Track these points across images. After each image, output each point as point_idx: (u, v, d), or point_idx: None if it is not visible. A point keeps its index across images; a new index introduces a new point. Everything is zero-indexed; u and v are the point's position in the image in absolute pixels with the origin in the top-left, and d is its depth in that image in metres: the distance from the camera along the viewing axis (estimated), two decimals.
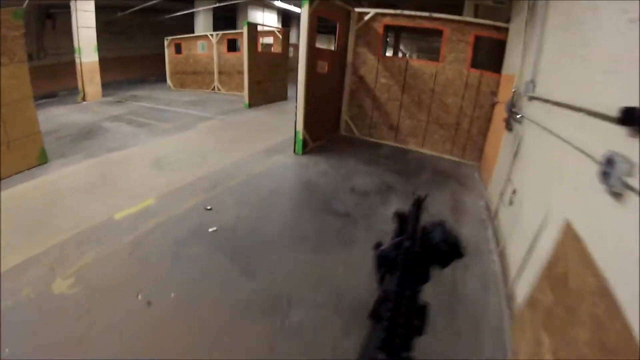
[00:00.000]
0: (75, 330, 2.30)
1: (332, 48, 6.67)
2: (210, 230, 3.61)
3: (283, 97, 11.28)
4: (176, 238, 3.43)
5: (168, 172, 5.14)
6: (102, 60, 13.26)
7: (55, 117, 9.84)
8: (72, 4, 11.06)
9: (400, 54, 17.61)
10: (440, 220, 0.76)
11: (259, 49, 11.01)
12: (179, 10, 14.58)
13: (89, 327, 2.32)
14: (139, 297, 2.55)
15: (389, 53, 14.72)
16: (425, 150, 6.41)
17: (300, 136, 5.82)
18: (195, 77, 13.45)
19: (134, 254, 3.13)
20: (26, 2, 10.64)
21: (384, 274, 0.73)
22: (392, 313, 0.58)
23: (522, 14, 4.37)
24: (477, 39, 5.61)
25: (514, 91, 4.09)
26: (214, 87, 12.92)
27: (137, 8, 13.54)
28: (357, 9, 6.37)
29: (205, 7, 13.94)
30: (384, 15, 6.18)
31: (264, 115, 9.20)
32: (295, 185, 4.91)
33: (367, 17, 6.26)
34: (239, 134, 7.36)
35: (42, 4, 12.97)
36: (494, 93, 5.52)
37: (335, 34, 6.53)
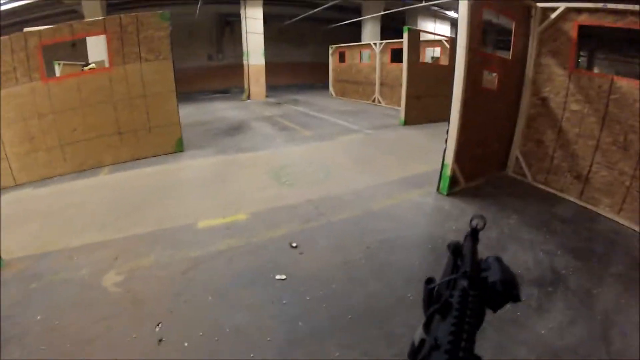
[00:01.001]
0: (82, 333, 2.19)
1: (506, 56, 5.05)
2: (277, 277, 2.74)
3: (447, 116, 9.75)
4: (238, 273, 2.80)
5: (280, 185, 4.67)
6: (273, 65, 14.24)
7: (216, 110, 10.78)
8: (242, 12, 12.09)
9: None
10: (496, 255, 0.68)
11: (423, 59, 9.81)
12: (346, 20, 14.56)
13: (94, 338, 2.15)
14: (157, 328, 2.20)
15: None
16: (624, 220, 4.13)
17: (448, 171, 4.41)
18: (356, 86, 13.08)
19: (187, 274, 2.78)
20: (198, 7, 12.03)
21: (433, 314, 0.61)
22: None
23: None
24: None
25: None
26: (374, 98, 12.26)
27: (302, 16, 14.06)
28: (541, 4, 4.58)
29: (372, 16, 13.46)
30: (578, 11, 4.28)
31: (418, 135, 7.86)
32: (422, 241, 3.48)
33: (554, 15, 4.46)
34: (381, 154, 6.30)
35: (222, 13, 14.70)
36: None
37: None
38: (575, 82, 4.51)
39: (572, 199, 4.66)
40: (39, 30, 4.77)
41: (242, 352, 2.03)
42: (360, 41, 14.18)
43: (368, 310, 2.47)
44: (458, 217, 3.87)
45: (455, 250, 0.75)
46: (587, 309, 2.57)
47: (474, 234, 0.79)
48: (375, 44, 11.53)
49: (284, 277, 2.75)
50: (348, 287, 2.69)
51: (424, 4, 12.42)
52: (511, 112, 5.07)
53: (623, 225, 4.01)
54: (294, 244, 3.22)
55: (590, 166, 4.49)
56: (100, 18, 5.31)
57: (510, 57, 4.83)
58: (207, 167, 5.35)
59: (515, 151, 5.23)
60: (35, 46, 4.63)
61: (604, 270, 3.13)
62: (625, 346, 2.23)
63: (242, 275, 2.76)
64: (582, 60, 12.12)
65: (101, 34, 5.13)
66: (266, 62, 13.16)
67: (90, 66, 5.69)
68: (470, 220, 0.79)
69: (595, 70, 11.50)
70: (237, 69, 14.08)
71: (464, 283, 0.61)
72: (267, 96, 13.39)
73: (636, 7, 3.85)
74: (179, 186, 4.57)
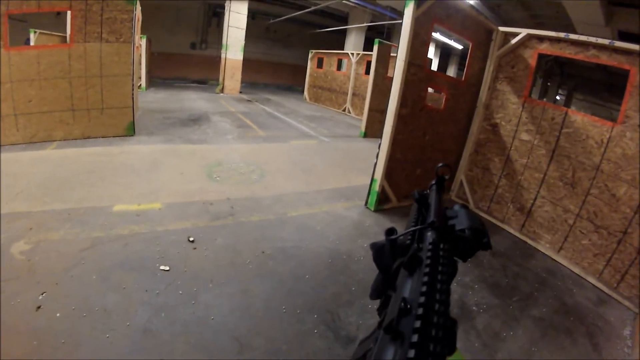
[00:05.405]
0: None
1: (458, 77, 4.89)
2: (161, 268, 2.71)
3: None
4: (128, 258, 2.78)
5: (208, 180, 4.51)
6: (255, 62, 13.91)
7: (185, 100, 10.46)
8: (226, 4, 11.85)
9: None
10: (463, 203, 0.64)
11: (390, 74, 9.72)
12: (333, 26, 14.42)
13: None
14: (41, 296, 2.27)
15: None
16: (561, 259, 3.99)
17: (376, 187, 4.21)
18: (329, 94, 12.93)
19: (83, 252, 2.78)
20: None
21: (399, 268, 0.54)
22: (421, 335, 0.37)
23: None
24: None
25: None
26: (345, 108, 12.12)
27: (288, 16, 13.90)
28: (503, 28, 4.49)
29: (357, 26, 13.35)
30: (540, 39, 4.16)
31: (373, 149, 7.68)
32: (322, 255, 3.19)
33: (514, 40, 4.35)
34: (325, 162, 6.08)
35: (212, 3, 14.38)
36: None
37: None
38: (529, 112, 4.38)
39: (511, 231, 4.51)
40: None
41: (100, 331, 2.04)
42: (344, 49, 14.06)
43: (237, 318, 2.26)
44: (376, 234, 3.63)
45: (420, 199, 0.71)
46: (489, 354, 2.34)
47: (439, 183, 0.75)
48: (352, 54, 11.40)
49: (167, 268, 2.71)
50: (225, 289, 2.57)
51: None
52: (460, 135, 4.91)
53: (559, 264, 3.85)
54: (192, 239, 3.14)
55: (535, 200, 4.34)
56: None
57: (463, 79, 4.67)
58: (147, 154, 5.21)
59: (460, 175, 5.06)
60: (1, 14, 4.60)
61: (523, 311, 2.93)
62: None
63: (131, 260, 2.75)
64: (560, 98, 12.19)
65: (66, 9, 5.08)
66: (249, 59, 12.89)
67: None
68: (436, 169, 0.75)
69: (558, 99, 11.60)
70: (218, 61, 13.80)
71: (432, 235, 0.55)
72: (241, 92, 13.09)
73: (598, 40, 3.72)
74: (113, 169, 4.49)
